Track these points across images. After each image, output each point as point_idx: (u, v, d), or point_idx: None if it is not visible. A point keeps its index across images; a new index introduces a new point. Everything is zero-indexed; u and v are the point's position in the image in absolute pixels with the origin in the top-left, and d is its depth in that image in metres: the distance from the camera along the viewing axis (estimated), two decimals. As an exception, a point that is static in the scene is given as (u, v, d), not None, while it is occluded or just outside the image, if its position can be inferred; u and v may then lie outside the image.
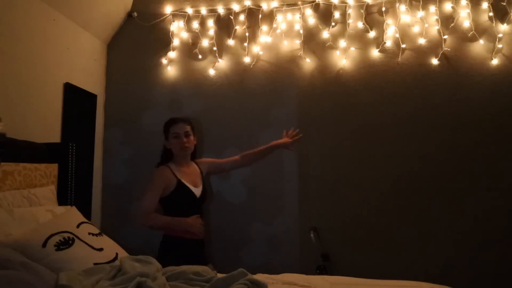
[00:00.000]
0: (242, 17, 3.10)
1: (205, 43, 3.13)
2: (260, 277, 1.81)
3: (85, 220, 2.02)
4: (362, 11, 2.95)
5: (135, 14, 3.23)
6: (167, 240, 2.47)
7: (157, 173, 2.50)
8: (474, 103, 2.80)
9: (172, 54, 3.18)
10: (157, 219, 2.40)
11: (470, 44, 2.83)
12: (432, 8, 2.87)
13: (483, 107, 2.79)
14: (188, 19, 3.17)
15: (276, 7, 3.05)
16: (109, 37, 3.25)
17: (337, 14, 2.98)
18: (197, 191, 2.54)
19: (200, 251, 2.53)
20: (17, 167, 2.04)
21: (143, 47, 3.24)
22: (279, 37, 3.06)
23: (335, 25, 3.00)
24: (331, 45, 2.99)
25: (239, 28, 3.11)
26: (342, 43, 2.96)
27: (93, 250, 1.79)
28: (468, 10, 2.82)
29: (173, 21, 3.18)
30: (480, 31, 2.81)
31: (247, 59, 3.08)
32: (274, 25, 3.05)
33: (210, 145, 3.09)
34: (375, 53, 2.95)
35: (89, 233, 1.88)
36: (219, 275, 1.65)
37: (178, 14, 3.19)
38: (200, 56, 3.15)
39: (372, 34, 2.95)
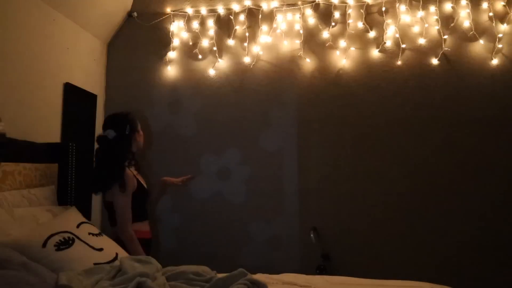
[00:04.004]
0: (242, 17, 3.10)
1: (205, 43, 3.13)
2: (260, 277, 1.81)
3: (85, 220, 2.02)
4: (362, 11, 2.95)
5: (135, 14, 3.23)
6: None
7: (128, 179, 2.28)
8: (474, 103, 2.80)
9: (172, 54, 3.18)
10: (134, 242, 2.21)
11: (470, 44, 2.83)
12: (432, 8, 2.87)
13: (483, 107, 2.79)
14: (188, 19, 3.17)
15: (276, 7, 3.05)
16: (109, 37, 3.25)
17: (337, 14, 2.98)
18: (145, 185, 2.47)
19: (149, 250, 2.42)
20: (17, 167, 2.04)
21: (143, 47, 3.24)
22: (279, 37, 3.06)
23: (335, 25, 3.00)
24: (331, 45, 2.99)
25: (239, 28, 3.11)
26: (342, 43, 2.96)
27: (93, 250, 1.79)
28: (468, 10, 2.82)
29: (173, 21, 3.18)
30: (480, 31, 2.81)
31: (247, 59, 3.08)
32: (274, 25, 3.05)
33: (210, 145, 3.09)
34: (375, 53, 2.95)
35: (89, 233, 1.88)
36: (219, 275, 1.65)
37: (178, 14, 3.19)
38: (200, 56, 3.14)
39: (372, 34, 2.95)
